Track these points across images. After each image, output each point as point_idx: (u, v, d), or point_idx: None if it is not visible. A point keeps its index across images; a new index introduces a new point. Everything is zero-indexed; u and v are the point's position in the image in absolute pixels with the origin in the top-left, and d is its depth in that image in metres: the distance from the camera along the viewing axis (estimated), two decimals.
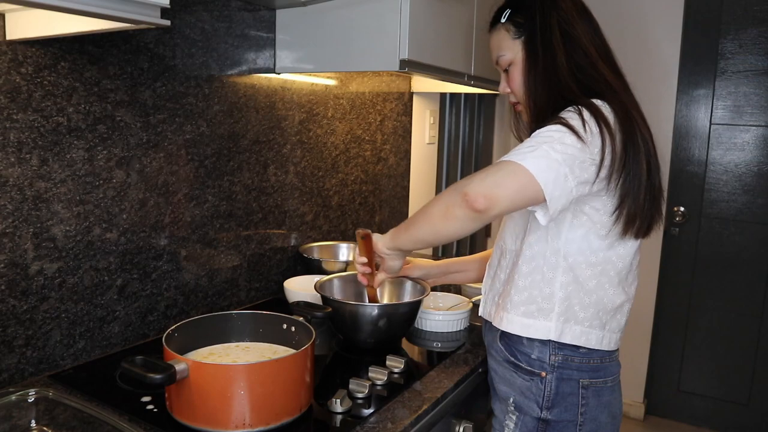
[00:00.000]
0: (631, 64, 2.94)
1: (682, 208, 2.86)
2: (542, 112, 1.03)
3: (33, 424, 0.98)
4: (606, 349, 1.06)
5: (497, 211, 0.93)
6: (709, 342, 2.87)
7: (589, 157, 0.93)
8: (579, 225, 1.01)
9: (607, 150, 0.94)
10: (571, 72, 1.02)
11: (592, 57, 1.03)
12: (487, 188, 0.92)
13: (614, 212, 0.99)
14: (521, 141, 1.00)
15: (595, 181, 0.95)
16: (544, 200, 0.92)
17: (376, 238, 1.17)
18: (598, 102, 0.98)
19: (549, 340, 1.04)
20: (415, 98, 2.28)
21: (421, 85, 2.23)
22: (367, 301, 1.31)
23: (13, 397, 0.98)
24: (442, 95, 2.51)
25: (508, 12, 1.09)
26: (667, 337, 2.94)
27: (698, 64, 2.76)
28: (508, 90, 1.13)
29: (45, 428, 0.98)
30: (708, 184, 2.81)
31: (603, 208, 0.99)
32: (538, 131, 0.96)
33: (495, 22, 1.12)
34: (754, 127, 2.70)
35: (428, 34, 1.48)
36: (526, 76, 1.06)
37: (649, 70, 2.78)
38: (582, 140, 0.93)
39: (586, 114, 0.95)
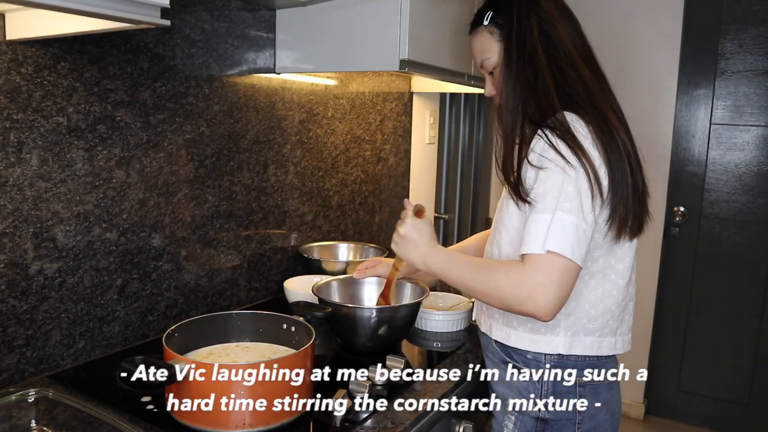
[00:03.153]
0: (632, 64, 2.94)
1: (682, 208, 2.86)
2: (512, 114, 1.01)
3: (33, 424, 0.98)
4: (620, 352, 1.07)
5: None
6: (709, 342, 2.87)
7: (586, 190, 0.93)
8: None
9: (591, 175, 0.93)
10: (550, 72, 1.00)
11: (572, 57, 1.02)
12: (546, 300, 0.90)
13: (608, 220, 0.98)
14: None
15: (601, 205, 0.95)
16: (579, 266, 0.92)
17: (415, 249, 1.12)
18: (570, 117, 0.96)
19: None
20: (415, 98, 2.28)
21: (421, 85, 2.23)
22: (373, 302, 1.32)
23: (13, 397, 0.98)
24: (442, 95, 2.51)
25: (490, 14, 1.08)
26: (667, 337, 2.94)
27: (698, 64, 2.76)
28: (495, 92, 1.11)
29: (45, 428, 0.98)
30: (708, 184, 2.81)
31: (600, 217, 0.98)
32: (536, 192, 0.94)
33: (476, 24, 1.11)
34: (754, 127, 2.70)
35: (428, 34, 1.48)
36: (505, 78, 1.04)
37: (649, 70, 2.78)
38: (575, 179, 0.92)
39: (560, 145, 0.93)
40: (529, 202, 0.95)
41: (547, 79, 1.00)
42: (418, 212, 1.15)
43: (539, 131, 0.96)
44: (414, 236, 1.11)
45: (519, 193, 0.98)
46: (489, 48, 1.09)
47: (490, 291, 0.98)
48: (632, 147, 1.01)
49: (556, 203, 0.91)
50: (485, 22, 1.08)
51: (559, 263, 0.90)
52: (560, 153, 0.93)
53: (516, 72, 1.02)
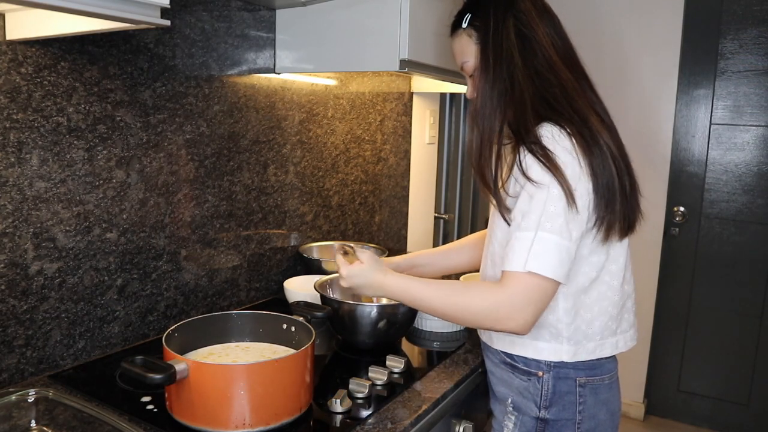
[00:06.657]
0: (632, 64, 2.94)
1: (682, 208, 2.86)
2: (489, 118, 1.00)
3: (33, 424, 0.98)
4: (624, 350, 1.06)
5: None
6: (709, 342, 2.87)
7: (567, 207, 0.92)
8: None
9: (568, 192, 0.92)
10: (528, 77, 0.99)
11: (551, 59, 1.00)
12: (524, 318, 0.93)
13: (595, 225, 0.97)
14: None
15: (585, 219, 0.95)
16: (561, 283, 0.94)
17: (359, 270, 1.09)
18: (551, 130, 0.95)
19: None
20: (415, 98, 2.28)
21: (421, 85, 2.23)
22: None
23: (13, 397, 0.98)
24: (442, 95, 2.51)
25: (468, 16, 1.06)
26: (667, 337, 2.94)
27: (698, 64, 2.76)
28: (476, 95, 1.08)
29: (45, 428, 0.98)
30: (708, 184, 2.81)
31: (586, 225, 0.98)
32: (519, 210, 0.95)
33: (456, 27, 1.09)
34: (754, 127, 2.70)
35: (428, 34, 1.48)
36: (483, 82, 1.02)
37: (649, 70, 2.78)
38: (557, 198, 0.92)
39: (541, 164, 0.93)
40: (512, 220, 0.96)
41: (523, 86, 0.98)
42: (346, 254, 1.12)
43: (521, 149, 0.95)
44: (356, 282, 1.10)
45: (504, 207, 0.98)
46: (468, 51, 1.08)
47: (462, 313, 0.99)
48: (618, 148, 1.00)
49: (538, 222, 0.92)
50: (464, 25, 1.07)
51: (537, 283, 0.92)
52: (541, 172, 0.93)
53: (493, 76, 1.01)
